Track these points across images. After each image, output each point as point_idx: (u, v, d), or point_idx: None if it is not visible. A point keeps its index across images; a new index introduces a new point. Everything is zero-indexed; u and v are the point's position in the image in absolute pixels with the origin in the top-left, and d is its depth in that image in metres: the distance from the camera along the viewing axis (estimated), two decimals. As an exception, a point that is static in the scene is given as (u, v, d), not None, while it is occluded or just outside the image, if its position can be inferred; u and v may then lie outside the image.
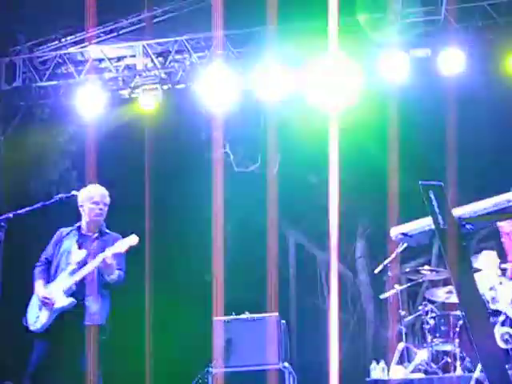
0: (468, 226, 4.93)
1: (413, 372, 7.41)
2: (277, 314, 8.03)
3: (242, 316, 7.93)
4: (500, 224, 5.70)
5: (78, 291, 6.14)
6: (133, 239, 6.21)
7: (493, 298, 7.66)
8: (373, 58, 10.13)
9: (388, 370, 7.69)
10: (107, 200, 6.44)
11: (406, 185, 8.98)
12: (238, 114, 10.64)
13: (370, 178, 11.92)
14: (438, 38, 9.97)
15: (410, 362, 7.61)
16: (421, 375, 7.28)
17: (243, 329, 7.76)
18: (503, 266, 7.99)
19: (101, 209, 6.38)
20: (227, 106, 10.14)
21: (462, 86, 10.02)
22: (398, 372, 7.50)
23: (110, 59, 10.65)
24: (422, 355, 7.49)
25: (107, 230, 6.49)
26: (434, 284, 8.79)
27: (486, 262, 8.09)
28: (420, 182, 4.55)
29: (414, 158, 10.22)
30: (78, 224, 6.48)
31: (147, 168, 10.60)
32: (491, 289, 7.76)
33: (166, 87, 10.67)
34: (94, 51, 10.61)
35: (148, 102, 10.40)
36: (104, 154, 9.91)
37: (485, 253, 8.22)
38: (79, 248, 6.28)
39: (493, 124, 10.99)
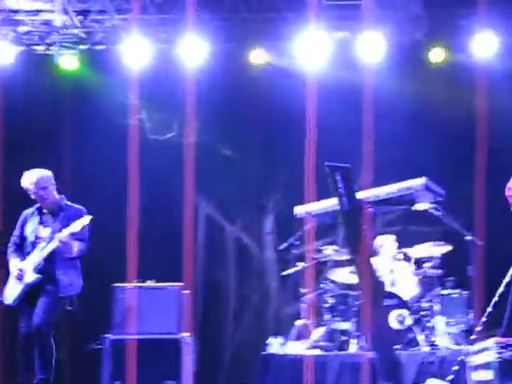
0: (370, 209, 5.09)
1: (309, 348, 7.59)
2: (180, 284, 8.08)
3: (144, 284, 7.96)
4: None
5: (48, 266, 6.42)
6: (86, 219, 6.47)
7: (391, 281, 7.98)
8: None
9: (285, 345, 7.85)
10: (36, 186, 6.58)
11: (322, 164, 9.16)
12: (157, 81, 10.59)
13: (285, 154, 12.11)
14: (357, 22, 10.17)
15: (307, 338, 7.77)
16: (317, 352, 7.47)
17: (145, 297, 7.80)
18: (404, 250, 8.29)
19: (38, 195, 6.59)
20: (145, 71, 10.05)
21: (379, 72, 10.27)
22: (294, 348, 7.67)
23: (26, 12, 10.34)
24: (318, 332, 7.68)
25: (68, 203, 6.75)
26: (339, 264, 8.99)
27: (383, 246, 8.39)
28: (326, 163, 4.66)
29: (329, 141, 10.37)
30: (37, 204, 6.72)
31: (62, 132, 10.48)
32: (391, 272, 8.07)
33: (84, 47, 10.46)
34: (9, 1, 10.27)
35: (64, 62, 10.19)
36: (13, 116, 9.72)
37: (382, 237, 8.50)
38: (44, 227, 6.56)
39: (409, 112, 11.33)
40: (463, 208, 11.35)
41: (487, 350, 4.63)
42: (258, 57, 10.50)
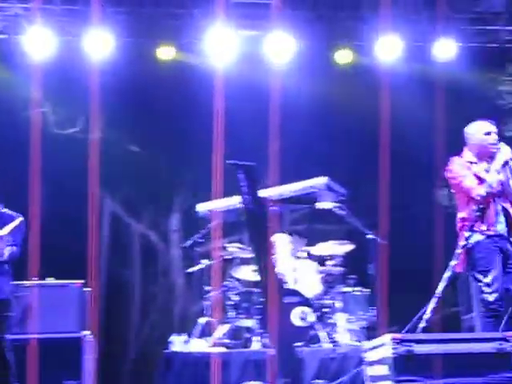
0: (274, 208, 5.16)
1: (212, 346, 7.60)
2: (81, 281, 7.96)
3: (44, 282, 7.81)
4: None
5: None
6: (17, 221, 6.58)
7: (294, 279, 8.07)
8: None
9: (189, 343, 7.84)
10: None
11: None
12: (61, 73, 10.40)
13: (193, 151, 12.09)
14: (267, 22, 10.27)
15: (211, 336, 7.79)
16: (220, 349, 7.49)
17: (45, 295, 7.64)
18: (308, 248, 8.40)
19: None
20: (49, 63, 9.86)
21: (289, 70, 10.40)
22: (198, 345, 7.67)
23: None
24: (222, 330, 7.71)
25: (3, 210, 6.77)
26: (244, 262, 9.04)
27: (279, 244, 8.49)
28: (227, 162, 4.68)
29: (237, 139, 10.41)
30: None
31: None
32: (294, 270, 8.17)
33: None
34: None
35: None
36: None
37: (277, 235, 8.59)
38: None
39: (315, 112, 11.50)
40: (367, 207, 11.64)
41: (383, 346, 4.75)
42: (164, 52, 10.45)
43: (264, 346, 7.29)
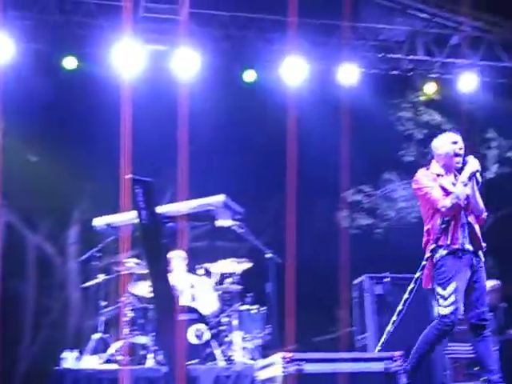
0: (170, 224, 5.16)
1: (105, 363, 7.49)
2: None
3: None
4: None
5: None
6: None
7: (192, 296, 8.07)
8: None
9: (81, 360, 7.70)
10: None
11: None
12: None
13: (94, 163, 11.96)
14: (175, 37, 10.31)
15: (104, 352, 7.68)
16: (113, 366, 7.39)
17: None
18: (206, 265, 8.40)
19: None
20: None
21: (196, 87, 10.44)
22: (89, 362, 7.54)
23: None
24: (115, 346, 7.61)
25: None
26: (141, 277, 8.96)
27: (175, 261, 8.50)
28: (127, 176, 4.68)
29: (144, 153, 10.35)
30: None
31: None
32: (192, 286, 8.17)
33: None
34: None
35: None
36: None
37: (174, 252, 8.60)
38: None
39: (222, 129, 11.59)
40: (268, 225, 11.79)
41: (274, 365, 4.80)
42: (70, 61, 10.32)
43: (158, 363, 7.24)
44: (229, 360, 7.57)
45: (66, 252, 13.33)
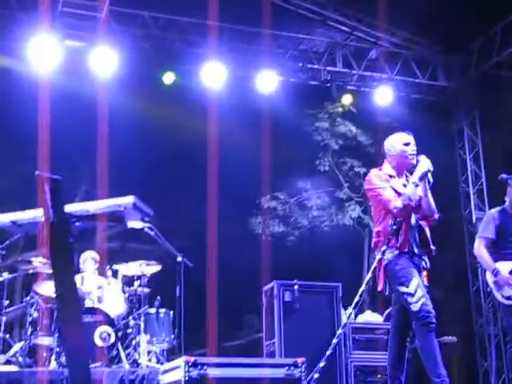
0: (78, 224, 5.06)
1: (4, 364, 7.31)
2: None
3: None
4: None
5: None
6: None
7: (99, 298, 7.99)
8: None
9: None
10: None
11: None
12: None
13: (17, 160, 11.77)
14: (94, 34, 10.21)
15: (4, 353, 7.49)
16: (13, 368, 7.21)
17: None
18: (115, 266, 8.33)
19: None
20: None
21: (114, 86, 10.35)
22: (-13, 364, 7.35)
23: None
24: (16, 347, 7.44)
25: None
26: (48, 277, 8.80)
27: (85, 262, 8.42)
28: (36, 173, 4.57)
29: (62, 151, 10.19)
30: None
31: None
32: (99, 288, 8.09)
33: None
34: None
35: None
36: None
37: (85, 253, 8.53)
38: None
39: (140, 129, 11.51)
40: (182, 230, 11.75)
41: (177, 369, 4.80)
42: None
43: (61, 365, 7.13)
44: (134, 363, 7.52)
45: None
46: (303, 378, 5.06)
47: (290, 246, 13.06)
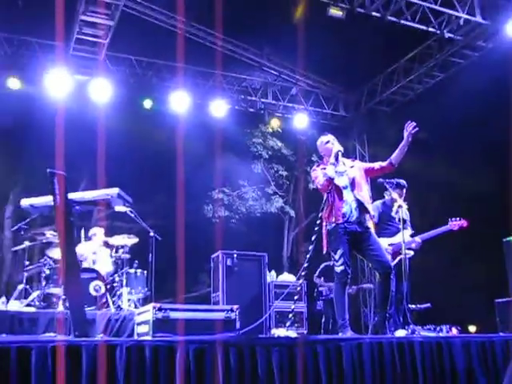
0: (77, 207, 5.02)
1: (26, 306, 7.19)
2: None
3: None
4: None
5: None
6: None
7: (93, 260, 7.91)
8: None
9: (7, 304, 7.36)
10: None
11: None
12: None
13: (26, 161, 11.48)
14: (95, 71, 10.09)
15: (26, 299, 7.38)
16: (32, 309, 7.07)
17: None
18: (106, 238, 8.25)
19: None
20: None
21: (108, 109, 10.25)
22: (14, 305, 7.22)
23: None
24: (34, 295, 7.33)
25: None
26: (57, 245, 8.65)
27: (95, 234, 8.32)
28: (48, 170, 4.52)
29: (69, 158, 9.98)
30: None
31: None
32: (94, 253, 8.00)
33: None
34: None
35: None
36: None
37: (95, 228, 8.44)
38: None
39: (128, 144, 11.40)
40: (155, 213, 11.69)
41: (147, 312, 4.78)
42: (13, 83, 9.85)
43: (66, 308, 7.04)
44: (118, 308, 7.47)
45: (3, 224, 12.76)
46: (237, 319, 5.06)
47: (233, 227, 13.10)
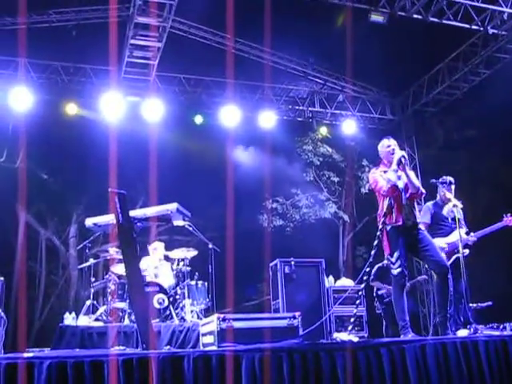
0: (139, 224, 5.12)
1: (95, 321, 7.37)
2: (-4, 274, 7.49)
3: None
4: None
5: None
6: None
7: (155, 274, 8.01)
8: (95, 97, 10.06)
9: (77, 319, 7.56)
10: None
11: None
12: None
13: (88, 182, 11.80)
14: (146, 91, 10.31)
15: (93, 313, 7.55)
16: (100, 323, 7.26)
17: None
18: (167, 252, 8.36)
19: None
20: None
21: (161, 128, 10.43)
22: (83, 320, 7.41)
23: None
24: (101, 309, 7.49)
25: None
26: (121, 261, 8.81)
27: (156, 249, 8.44)
28: (109, 189, 4.63)
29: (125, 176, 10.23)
30: None
31: None
32: (155, 267, 8.11)
33: None
34: None
35: None
36: None
37: (156, 243, 8.56)
38: None
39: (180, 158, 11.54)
40: (212, 225, 11.78)
41: (211, 322, 4.80)
42: (71, 108, 10.18)
43: (131, 321, 7.16)
44: (181, 319, 7.52)
45: (68, 243, 13.13)
46: (300, 326, 5.01)
47: (288, 235, 13.05)
